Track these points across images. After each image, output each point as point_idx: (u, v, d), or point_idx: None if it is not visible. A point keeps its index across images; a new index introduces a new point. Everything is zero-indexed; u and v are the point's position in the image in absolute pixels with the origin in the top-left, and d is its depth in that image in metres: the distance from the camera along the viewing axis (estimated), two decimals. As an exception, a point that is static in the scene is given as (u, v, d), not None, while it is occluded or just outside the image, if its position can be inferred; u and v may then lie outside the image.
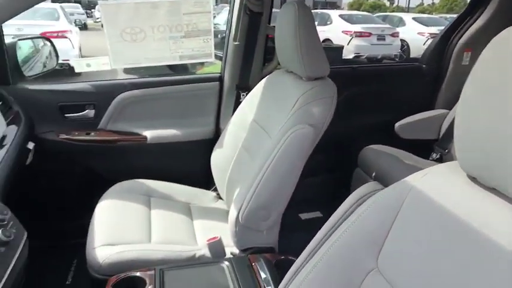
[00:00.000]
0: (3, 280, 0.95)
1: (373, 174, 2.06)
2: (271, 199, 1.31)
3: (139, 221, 1.53)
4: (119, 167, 1.93)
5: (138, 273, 1.23)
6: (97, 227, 1.46)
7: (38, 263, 1.83)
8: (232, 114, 1.84)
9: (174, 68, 4.49)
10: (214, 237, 1.37)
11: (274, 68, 2.02)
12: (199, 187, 1.88)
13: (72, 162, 1.88)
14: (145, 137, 1.91)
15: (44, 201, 1.89)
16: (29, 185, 1.76)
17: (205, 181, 1.96)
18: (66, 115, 1.84)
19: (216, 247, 1.37)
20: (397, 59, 11.00)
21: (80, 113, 1.85)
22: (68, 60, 5.05)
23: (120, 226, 1.48)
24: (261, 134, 1.55)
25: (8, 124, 1.59)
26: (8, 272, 0.98)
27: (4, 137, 1.52)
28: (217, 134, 2.00)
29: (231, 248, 1.45)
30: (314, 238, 0.83)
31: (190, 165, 2.02)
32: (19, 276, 1.07)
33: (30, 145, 1.68)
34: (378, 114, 2.39)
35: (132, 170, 1.89)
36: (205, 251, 1.42)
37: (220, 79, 2.02)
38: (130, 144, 1.90)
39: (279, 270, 1.25)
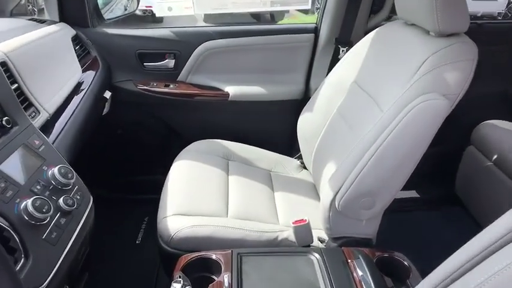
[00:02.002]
0: (62, 256, 0.83)
1: (494, 157, 1.68)
2: (380, 185, 1.04)
3: (216, 188, 1.37)
4: (196, 124, 1.77)
5: (213, 255, 1.06)
6: (170, 193, 1.32)
7: (109, 217, 1.80)
8: (328, 73, 1.55)
9: (258, 19, 4.20)
10: (301, 220, 1.15)
11: (381, 20, 1.66)
12: (282, 153, 1.66)
13: (148, 115, 1.76)
14: (227, 93, 1.71)
15: (118, 153, 1.81)
16: (104, 136, 1.67)
17: (288, 147, 1.74)
18: (145, 64, 1.69)
19: (303, 232, 1.16)
20: (499, 18, 9.51)
21: (160, 62, 1.69)
22: (150, 6, 4.93)
23: (195, 194, 1.32)
24: (365, 100, 1.26)
25: (85, 70, 1.47)
26: (69, 246, 0.86)
27: (80, 83, 1.40)
28: (306, 94, 1.74)
29: (318, 232, 1.23)
30: (457, 254, 0.56)
31: (273, 128, 1.80)
32: (82, 248, 0.96)
33: (107, 94, 1.56)
34: (497, 82, 1.93)
35: (211, 129, 1.72)
36: (289, 234, 1.22)
37: (316, 30, 1.71)
38: (211, 100, 1.71)
39: (381, 271, 1.01)
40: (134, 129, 1.77)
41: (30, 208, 0.80)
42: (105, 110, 1.58)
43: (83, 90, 1.36)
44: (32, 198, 0.82)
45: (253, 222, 1.25)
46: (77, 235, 0.90)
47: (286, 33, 1.70)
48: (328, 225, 1.15)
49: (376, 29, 1.37)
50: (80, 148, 1.26)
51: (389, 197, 1.06)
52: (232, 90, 1.71)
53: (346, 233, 1.16)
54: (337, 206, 1.08)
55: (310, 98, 1.55)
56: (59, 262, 0.82)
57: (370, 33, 1.38)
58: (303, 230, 1.15)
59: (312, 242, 1.16)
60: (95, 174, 1.86)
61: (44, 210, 0.82)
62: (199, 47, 1.65)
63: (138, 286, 1.52)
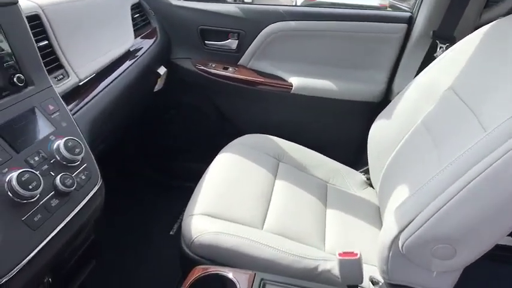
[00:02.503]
0: (42, 244, 0.69)
1: None
2: (467, 232, 0.74)
3: (257, 192, 1.16)
4: (251, 115, 1.58)
5: (230, 274, 0.86)
6: (204, 188, 1.14)
7: (147, 201, 1.72)
8: (417, 73, 1.25)
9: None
10: (351, 253, 0.90)
11: (501, 13, 1.30)
12: (345, 164, 1.40)
13: (203, 98, 1.60)
14: (291, 85, 1.48)
15: (162, 135, 1.69)
16: (155, 114, 1.56)
17: (354, 158, 1.47)
18: (206, 42, 1.54)
19: (351, 268, 0.90)
20: None
21: (222, 42, 1.53)
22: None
23: (231, 194, 1.13)
24: (462, 113, 0.95)
25: (140, 40, 1.35)
26: (54, 232, 0.71)
27: (129, 53, 1.28)
28: (386, 97, 1.45)
29: (373, 270, 0.97)
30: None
31: (340, 132, 1.54)
32: (79, 236, 0.81)
33: (162, 70, 1.43)
34: None
35: (266, 122, 1.52)
36: (334, 266, 0.97)
37: (410, 20, 1.41)
38: (271, 90, 1.50)
39: None
40: (187, 111, 1.63)
41: (13, 182, 0.67)
42: (158, 87, 1.46)
43: (131, 61, 1.24)
44: (19, 171, 0.69)
45: (292, 242, 1.02)
46: (69, 221, 0.75)
47: (372, 21, 1.42)
48: (385, 268, 0.88)
49: (491, 23, 1.04)
50: (116, 123, 1.14)
51: (478, 250, 0.76)
52: (297, 81, 1.48)
53: (407, 282, 0.88)
54: (400, 246, 0.80)
55: (390, 101, 1.27)
56: (36, 251, 0.67)
57: (481, 29, 1.06)
58: (350, 265, 0.89)
59: (360, 283, 0.89)
60: (140, 153, 1.78)
61: (30, 187, 0.68)
62: (267, 28, 1.45)
63: (159, 281, 1.38)
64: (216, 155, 1.29)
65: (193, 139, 1.69)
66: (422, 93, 1.15)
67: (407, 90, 1.20)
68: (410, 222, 0.78)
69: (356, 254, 0.88)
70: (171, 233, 1.56)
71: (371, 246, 1.02)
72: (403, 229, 0.79)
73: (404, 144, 1.13)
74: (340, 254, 0.88)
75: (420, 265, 0.82)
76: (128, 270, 1.39)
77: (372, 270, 0.99)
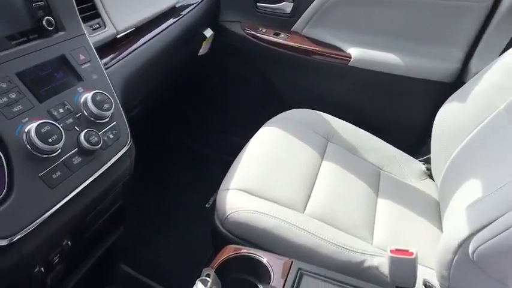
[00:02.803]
0: (59, 205, 0.62)
1: None
2: None
3: (301, 171, 1.05)
4: (302, 88, 1.44)
5: (264, 259, 0.76)
6: (244, 162, 1.04)
7: (184, 171, 1.66)
8: (503, 51, 1.06)
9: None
10: (405, 251, 0.77)
11: None
12: (403, 150, 1.24)
13: (250, 66, 1.49)
14: (349, 56, 1.33)
15: (203, 103, 1.61)
16: (198, 80, 1.47)
17: (414, 144, 1.30)
18: (258, 4, 1.41)
19: (404, 268, 0.77)
20: None
21: (275, 5, 1.39)
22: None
23: (272, 171, 1.02)
24: None
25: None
26: (73, 193, 0.65)
27: (173, 10, 1.18)
28: (461, 78, 1.25)
29: (427, 272, 0.84)
30: None
31: (401, 113, 1.37)
32: (103, 200, 0.75)
33: (208, 32, 1.33)
34: None
35: (318, 97, 1.38)
36: (382, 263, 0.85)
37: (499, -13, 1.19)
38: (326, 60, 1.36)
39: None
40: (231, 80, 1.52)
41: (32, 133, 0.60)
42: (203, 51, 1.36)
43: (175, 18, 1.15)
44: (39, 121, 0.62)
45: (336, 230, 0.91)
46: (92, 182, 0.69)
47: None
48: (446, 273, 0.74)
49: None
50: (154, 84, 1.06)
51: None
52: (357, 53, 1.32)
53: (473, 291, 0.74)
54: (470, 252, 0.66)
55: (464, 83, 1.09)
56: (52, 210, 0.61)
57: None
58: (404, 265, 0.77)
59: (413, 286, 0.77)
60: (178, 121, 1.71)
61: (50, 140, 0.62)
62: (327, -10, 1.30)
63: (189, 255, 1.32)
64: (259, 129, 1.18)
65: (236, 110, 1.59)
66: (507, 74, 0.96)
67: (488, 71, 1.01)
68: (487, 225, 0.63)
69: (411, 253, 0.75)
70: (206, 205, 1.49)
71: (426, 246, 0.89)
72: (477, 232, 0.65)
73: (480, 134, 0.96)
74: (392, 251, 0.76)
75: (493, 277, 0.67)
76: (157, 241, 1.34)
77: (426, 272, 0.85)
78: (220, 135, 1.65)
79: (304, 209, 0.95)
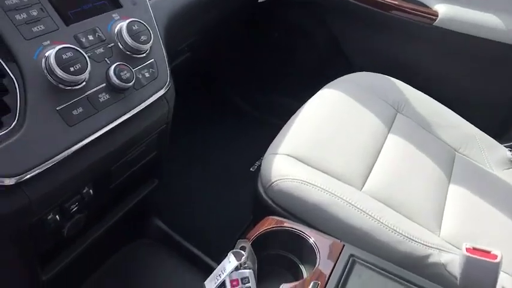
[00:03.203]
0: (77, 146, 0.53)
1: None
2: None
3: (363, 142, 0.90)
4: (372, 49, 1.26)
5: (311, 239, 0.65)
6: (296, 126, 0.91)
7: (230, 131, 1.55)
8: None
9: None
10: (486, 252, 0.62)
11: None
12: (486, 132, 1.04)
13: (314, 19, 1.32)
14: (435, 14, 1.12)
15: (257, 59, 1.46)
16: (255, 34, 1.33)
17: (502, 125, 1.10)
18: None
19: (483, 273, 0.62)
20: None
21: None
22: None
23: (329, 138, 0.88)
24: None
25: None
26: (96, 135, 0.56)
27: None
28: None
29: (503, 278, 0.69)
30: None
31: (489, 87, 1.15)
32: (132, 148, 0.65)
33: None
34: None
35: (390, 60, 1.20)
36: (452, 261, 0.71)
37: None
38: (407, 18, 1.16)
39: None
40: (292, 35, 1.36)
41: (51, 58, 0.51)
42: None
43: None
44: (60, 46, 0.52)
45: (398, 215, 0.76)
46: (119, 125, 0.59)
47: None
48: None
49: None
50: (204, 28, 0.94)
51: None
52: (446, 10, 1.11)
53: None
54: None
55: None
56: (66, 152, 0.52)
57: None
58: (482, 269, 0.62)
59: (491, 294, 0.62)
60: (229, 76, 1.59)
61: (72, 69, 0.52)
62: None
63: (228, 218, 1.23)
64: (317, 90, 1.03)
65: (294, 70, 1.44)
66: None
67: None
68: None
69: (495, 256, 0.60)
70: (251, 169, 1.38)
71: (505, 247, 0.73)
72: None
73: None
74: (468, 250, 0.61)
75: None
76: (196, 201, 1.26)
77: (504, 278, 0.70)
78: (273, 96, 1.51)
79: (363, 186, 0.82)
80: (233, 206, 1.25)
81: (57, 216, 0.58)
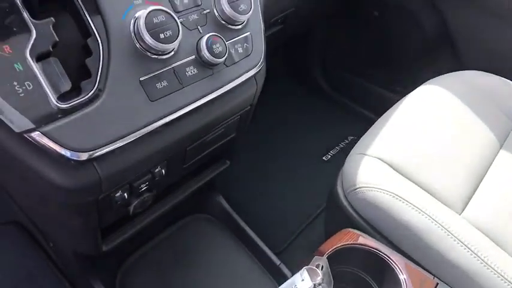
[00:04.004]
0: (157, 124, 0.48)
1: None
2: None
3: (468, 157, 0.76)
4: (493, 41, 1.07)
5: (402, 276, 0.55)
6: (392, 124, 0.79)
7: (304, 113, 1.41)
8: None
9: None
10: None
11: None
12: None
13: (423, 2, 1.13)
14: None
15: (352, 41, 1.33)
16: (346, 9, 1.19)
17: None
18: None
19: None
20: None
21: None
22: None
23: (429, 146, 0.76)
24: None
25: None
26: (179, 113, 0.51)
27: None
28: None
29: None
30: None
31: None
32: (213, 127, 0.59)
33: None
34: None
35: (507, 58, 1.01)
36: None
37: None
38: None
39: None
40: (396, 15, 1.20)
41: (140, 22, 0.44)
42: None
43: None
44: (153, 8, 0.45)
45: (508, 258, 0.63)
46: (205, 104, 0.52)
47: None
48: None
49: None
50: (300, 2, 0.84)
51: None
52: None
53: None
54: None
55: None
56: (147, 129, 0.46)
57: None
58: None
59: None
60: (319, 58, 1.47)
61: (162, 36, 0.45)
62: None
63: (290, 205, 1.16)
64: (418, 86, 0.89)
65: (392, 56, 1.28)
66: None
67: None
68: None
69: None
70: (323, 158, 1.28)
71: None
72: None
73: None
74: None
75: None
76: (262, 183, 1.19)
77: None
78: (364, 82, 1.37)
79: (463, 210, 0.69)
80: (300, 195, 1.17)
81: (125, 194, 0.53)
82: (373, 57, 1.32)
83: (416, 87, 0.89)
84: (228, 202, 1.02)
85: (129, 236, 0.68)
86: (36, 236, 0.92)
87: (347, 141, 1.33)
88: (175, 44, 0.46)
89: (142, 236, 0.87)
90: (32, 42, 0.40)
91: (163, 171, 0.56)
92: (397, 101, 0.85)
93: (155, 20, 0.45)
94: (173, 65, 0.48)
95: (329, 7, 1.20)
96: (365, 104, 1.36)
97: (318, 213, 1.13)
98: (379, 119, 0.83)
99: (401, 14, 1.18)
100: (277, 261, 0.93)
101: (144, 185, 0.55)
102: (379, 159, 0.72)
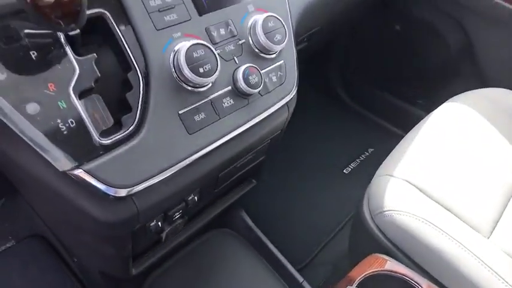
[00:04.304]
0: (195, 156, 0.48)
1: None
2: None
3: (496, 181, 0.75)
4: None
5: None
6: (418, 145, 0.78)
7: (327, 126, 1.43)
8: None
9: None
10: None
11: None
12: None
13: (447, 13, 1.12)
14: None
15: (374, 53, 1.32)
16: (370, 22, 1.18)
17: None
18: None
19: None
20: None
21: None
22: None
23: (456, 169, 0.75)
24: None
25: None
26: (215, 144, 0.50)
27: None
28: None
29: None
30: None
31: None
32: (247, 155, 0.59)
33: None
34: None
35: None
36: None
37: None
38: None
39: None
40: (418, 29, 1.18)
41: (181, 56, 0.44)
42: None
43: None
44: (192, 43, 0.45)
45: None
46: (240, 135, 0.52)
47: None
48: None
49: None
50: (327, 18, 0.83)
51: None
52: None
53: None
54: None
55: None
56: (185, 163, 0.46)
57: None
58: None
59: None
60: (339, 66, 1.46)
61: (201, 70, 0.45)
62: None
63: (311, 219, 1.15)
64: (440, 102, 0.88)
65: (415, 70, 1.26)
66: None
67: None
68: None
69: None
70: (344, 171, 1.27)
71: None
72: None
73: None
74: None
75: None
76: (283, 196, 1.18)
77: None
78: (385, 95, 1.35)
79: (491, 233, 0.68)
80: (321, 209, 1.16)
81: (159, 223, 0.53)
82: (395, 70, 1.31)
83: (438, 102, 0.88)
84: (250, 217, 1.02)
85: (158, 259, 0.68)
86: (59, 250, 0.93)
87: (367, 154, 1.32)
88: (214, 78, 0.46)
89: (167, 256, 0.87)
90: (75, 79, 0.40)
91: (196, 198, 0.56)
92: (418, 114, 0.85)
93: (195, 54, 0.45)
94: (210, 97, 0.48)
95: (353, 22, 1.19)
96: (385, 116, 1.35)
97: (340, 229, 1.13)
98: (404, 138, 0.82)
99: (424, 28, 1.17)
100: (300, 279, 0.92)
101: (178, 213, 0.55)
102: (407, 181, 0.71)
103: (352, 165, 1.28)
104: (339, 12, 0.91)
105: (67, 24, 0.35)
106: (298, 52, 0.92)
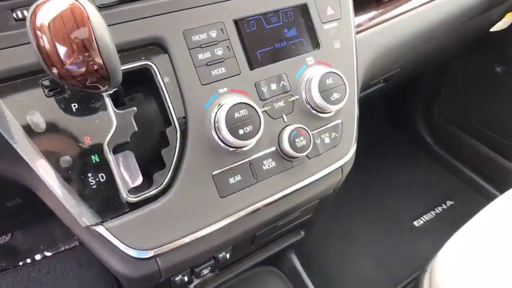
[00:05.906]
0: (222, 223, 0.44)
1: None
2: None
3: None
4: None
5: None
6: (498, 225, 0.66)
7: (397, 173, 1.30)
8: None
9: None
10: None
11: None
12: None
13: None
14: None
15: (470, 96, 1.17)
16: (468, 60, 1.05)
17: None
18: None
19: None
20: None
21: None
22: None
23: None
24: None
25: None
26: (244, 211, 0.46)
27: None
28: None
29: None
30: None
31: None
32: (286, 215, 0.54)
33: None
34: None
35: None
36: None
37: None
38: None
39: None
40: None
41: (221, 117, 0.41)
42: (500, 25, 0.92)
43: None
44: (235, 102, 0.42)
45: None
46: (278, 201, 0.47)
47: None
48: None
49: None
50: (407, 60, 0.75)
51: None
52: None
53: None
54: None
55: None
56: (213, 228, 0.43)
57: None
58: None
59: None
60: (424, 108, 1.32)
61: (240, 132, 0.42)
62: None
63: (369, 272, 1.05)
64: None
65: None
66: None
67: None
68: None
69: None
70: (414, 223, 1.14)
71: None
72: None
73: None
74: None
75: None
76: (342, 248, 1.09)
77: None
78: (475, 142, 1.18)
79: None
80: (379, 265, 1.05)
81: (185, 277, 0.51)
82: (490, 116, 1.14)
83: None
84: (300, 258, 0.96)
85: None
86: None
87: (444, 207, 1.16)
88: (254, 140, 0.43)
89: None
90: (111, 133, 0.39)
91: (227, 255, 0.53)
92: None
93: (236, 115, 0.42)
94: (250, 158, 0.45)
95: (439, 62, 1.07)
96: (473, 166, 1.18)
97: None
98: (498, 200, 0.69)
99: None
100: None
101: (207, 269, 0.52)
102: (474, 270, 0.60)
103: (425, 217, 1.15)
104: (424, 54, 0.81)
105: (102, 86, 0.34)
106: (374, 92, 0.85)
